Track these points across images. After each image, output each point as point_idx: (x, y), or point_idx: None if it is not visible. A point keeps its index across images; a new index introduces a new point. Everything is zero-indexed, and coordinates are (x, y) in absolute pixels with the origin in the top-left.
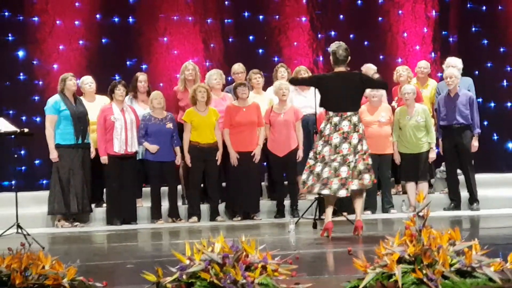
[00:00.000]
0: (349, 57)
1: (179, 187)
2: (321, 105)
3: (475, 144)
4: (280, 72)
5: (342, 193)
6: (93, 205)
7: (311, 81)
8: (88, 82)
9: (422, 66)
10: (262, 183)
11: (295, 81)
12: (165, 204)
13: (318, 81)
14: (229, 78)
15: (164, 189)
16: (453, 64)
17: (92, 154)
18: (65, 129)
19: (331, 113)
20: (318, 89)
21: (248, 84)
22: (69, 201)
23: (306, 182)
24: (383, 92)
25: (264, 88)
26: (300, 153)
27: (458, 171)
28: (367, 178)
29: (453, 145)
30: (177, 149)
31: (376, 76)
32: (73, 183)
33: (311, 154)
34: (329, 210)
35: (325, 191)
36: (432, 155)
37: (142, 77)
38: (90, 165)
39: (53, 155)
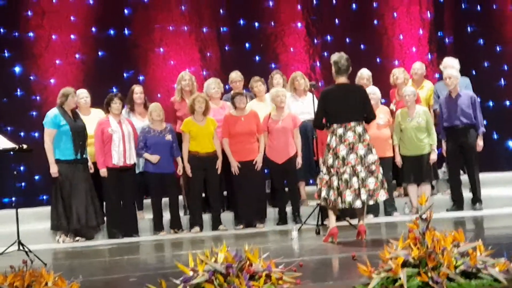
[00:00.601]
0: (351, 68)
1: (180, 197)
2: (327, 122)
3: (480, 143)
4: (276, 79)
5: (358, 204)
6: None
7: (321, 104)
8: (83, 96)
9: (416, 68)
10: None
11: (317, 121)
12: (166, 216)
13: (324, 97)
14: (227, 86)
15: (166, 200)
16: (450, 65)
17: (91, 169)
18: (64, 145)
19: (335, 125)
20: (325, 105)
21: (250, 93)
22: (72, 217)
23: (328, 198)
24: (379, 94)
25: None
26: (299, 160)
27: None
28: (382, 195)
29: (458, 145)
30: (178, 159)
31: None
32: (75, 198)
33: (324, 169)
34: (333, 216)
35: (342, 205)
36: (433, 157)
37: (138, 88)
38: (91, 180)
39: (53, 169)
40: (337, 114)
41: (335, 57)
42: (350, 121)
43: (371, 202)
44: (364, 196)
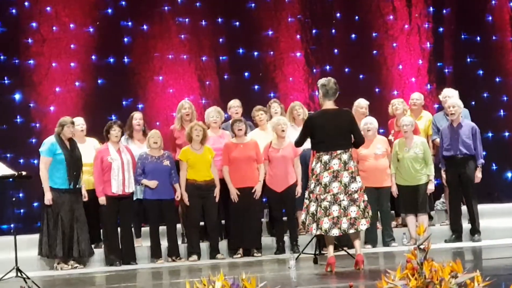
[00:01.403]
0: (338, 91)
1: (178, 225)
2: (312, 147)
3: (478, 175)
4: (274, 108)
5: (335, 232)
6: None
7: (306, 129)
8: (79, 124)
9: (415, 98)
10: (262, 219)
11: (298, 143)
12: (164, 243)
13: (309, 123)
14: (226, 115)
15: (164, 228)
16: (450, 95)
17: (85, 198)
18: (58, 173)
19: (321, 152)
20: (311, 131)
21: (248, 121)
22: (55, 244)
23: (305, 222)
24: (376, 125)
25: None
26: (298, 189)
27: None
28: (363, 224)
29: (457, 175)
30: (176, 185)
31: None
32: (60, 228)
33: (306, 194)
34: (331, 245)
35: (317, 232)
36: (431, 187)
37: (137, 115)
38: (83, 210)
39: (48, 196)
40: (323, 142)
41: (322, 80)
42: (336, 149)
43: (351, 231)
44: (345, 225)
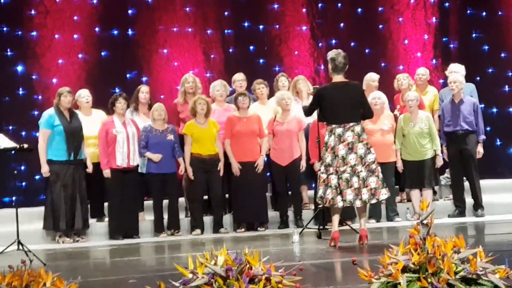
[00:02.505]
0: (347, 65)
1: (182, 199)
2: (321, 119)
3: (480, 150)
4: (281, 82)
5: (358, 203)
6: (93, 220)
7: (315, 100)
8: (84, 95)
9: (420, 73)
10: (266, 194)
11: (307, 112)
12: (166, 217)
13: (320, 96)
14: (231, 88)
15: (166, 202)
16: (456, 70)
17: (89, 169)
18: (57, 145)
19: (333, 125)
20: (321, 103)
21: (252, 95)
22: (59, 217)
23: (325, 196)
24: (384, 100)
25: (267, 98)
26: (303, 163)
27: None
28: (384, 193)
29: (458, 151)
30: (180, 159)
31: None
32: (64, 199)
33: (322, 168)
34: (336, 220)
35: (343, 204)
36: (439, 161)
37: (144, 88)
38: (84, 182)
39: (44, 169)
40: (335, 115)
41: (332, 54)
42: (349, 122)
43: (373, 201)
44: (365, 195)
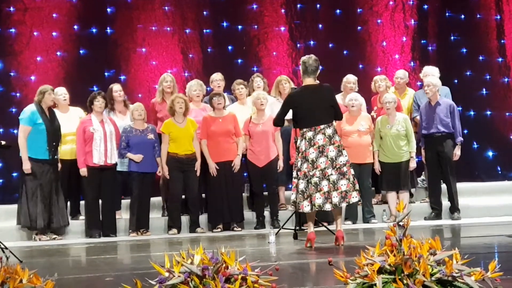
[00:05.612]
0: (319, 69)
1: (159, 198)
2: (294, 125)
3: (457, 153)
4: (256, 82)
5: (327, 207)
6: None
7: (285, 106)
8: (62, 93)
9: (399, 76)
10: (243, 194)
11: (277, 121)
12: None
13: (290, 101)
14: (209, 88)
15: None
16: (430, 73)
17: (60, 167)
18: (38, 143)
19: (304, 129)
20: (292, 107)
21: (231, 95)
22: (35, 216)
23: (296, 201)
24: (362, 101)
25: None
26: (280, 163)
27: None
28: (355, 196)
29: (435, 154)
30: (158, 159)
31: None
32: (40, 198)
33: (294, 173)
34: (311, 221)
35: (310, 208)
36: (413, 164)
37: (116, 87)
38: (61, 181)
39: (26, 166)
40: (305, 118)
41: (304, 57)
42: (320, 124)
43: (343, 204)
44: (336, 199)
